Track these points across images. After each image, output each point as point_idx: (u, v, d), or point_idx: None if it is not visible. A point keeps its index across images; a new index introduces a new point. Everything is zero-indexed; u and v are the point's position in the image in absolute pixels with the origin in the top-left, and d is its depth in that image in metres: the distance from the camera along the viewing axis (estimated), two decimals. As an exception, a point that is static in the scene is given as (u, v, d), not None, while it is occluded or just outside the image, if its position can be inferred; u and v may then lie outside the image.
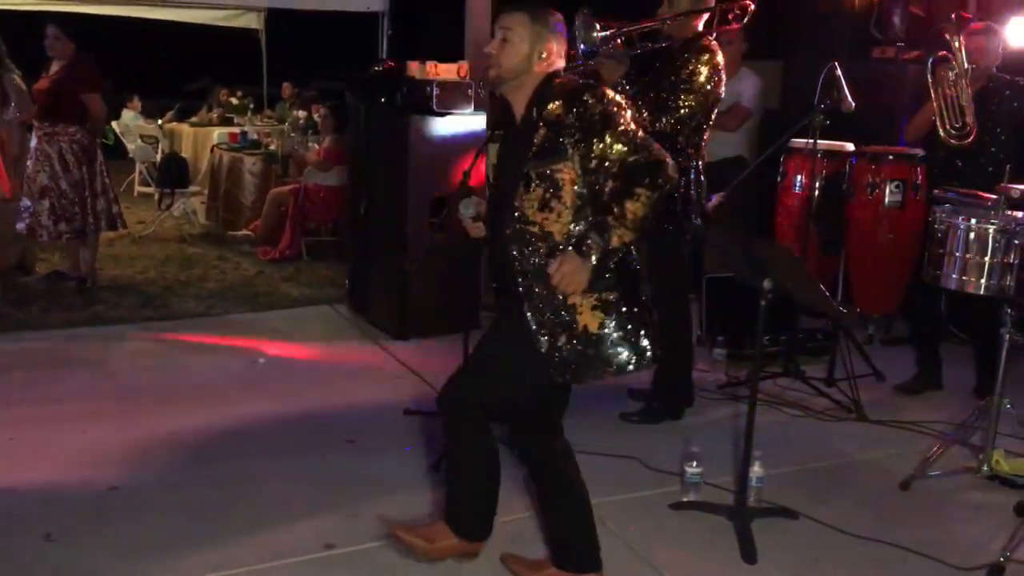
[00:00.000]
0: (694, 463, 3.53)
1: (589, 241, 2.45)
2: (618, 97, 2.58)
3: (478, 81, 5.18)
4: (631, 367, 2.62)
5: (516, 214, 2.55)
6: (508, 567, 3.02)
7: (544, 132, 2.53)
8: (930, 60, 4.61)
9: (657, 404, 4.37)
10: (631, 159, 2.47)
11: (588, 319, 2.56)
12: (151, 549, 3.11)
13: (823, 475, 3.87)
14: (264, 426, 4.19)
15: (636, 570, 3.10)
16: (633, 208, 2.43)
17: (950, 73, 4.53)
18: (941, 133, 4.57)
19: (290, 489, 3.57)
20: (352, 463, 3.81)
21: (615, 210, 2.44)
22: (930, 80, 4.59)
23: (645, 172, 2.45)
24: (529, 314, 2.58)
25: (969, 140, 4.50)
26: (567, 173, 2.51)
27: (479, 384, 2.78)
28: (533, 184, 2.51)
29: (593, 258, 2.44)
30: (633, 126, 2.53)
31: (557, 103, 2.52)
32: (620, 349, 2.60)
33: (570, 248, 2.48)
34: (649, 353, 2.63)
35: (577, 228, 2.52)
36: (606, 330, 2.57)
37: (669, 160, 2.50)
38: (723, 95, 4.11)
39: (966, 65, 4.47)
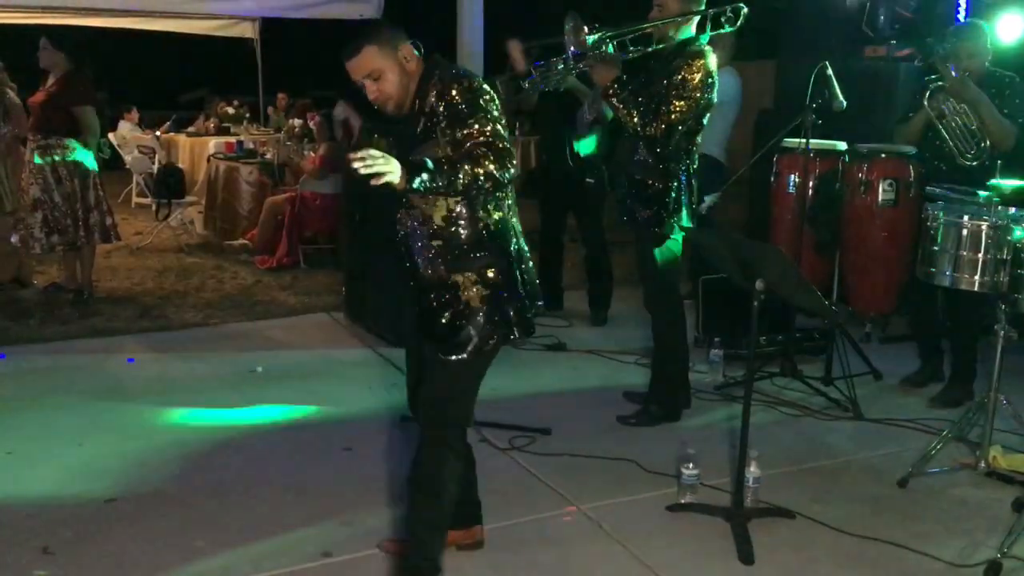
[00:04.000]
0: (690, 465, 3.53)
1: (423, 164, 2.46)
2: (487, 89, 2.65)
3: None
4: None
5: (403, 202, 2.70)
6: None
7: (423, 122, 2.65)
8: (926, 92, 4.59)
9: (654, 406, 4.37)
10: (492, 142, 2.55)
11: (470, 295, 2.69)
12: (149, 560, 3.11)
13: (820, 474, 3.87)
14: (262, 435, 4.20)
15: (634, 572, 3.10)
16: (471, 170, 2.49)
17: (951, 104, 4.53)
18: (958, 160, 4.56)
19: (288, 498, 3.57)
20: (349, 471, 3.82)
21: (457, 164, 2.49)
22: (928, 108, 4.57)
23: (499, 155, 2.54)
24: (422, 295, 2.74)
25: (984, 157, 4.49)
26: (441, 155, 2.58)
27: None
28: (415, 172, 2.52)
29: (413, 179, 2.42)
30: (498, 120, 2.62)
31: (432, 93, 2.63)
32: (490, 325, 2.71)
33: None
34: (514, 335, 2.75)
35: (454, 212, 2.65)
36: (486, 306, 2.70)
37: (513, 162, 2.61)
38: (716, 99, 4.10)
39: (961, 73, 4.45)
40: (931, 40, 5.42)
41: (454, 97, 2.60)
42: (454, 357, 2.70)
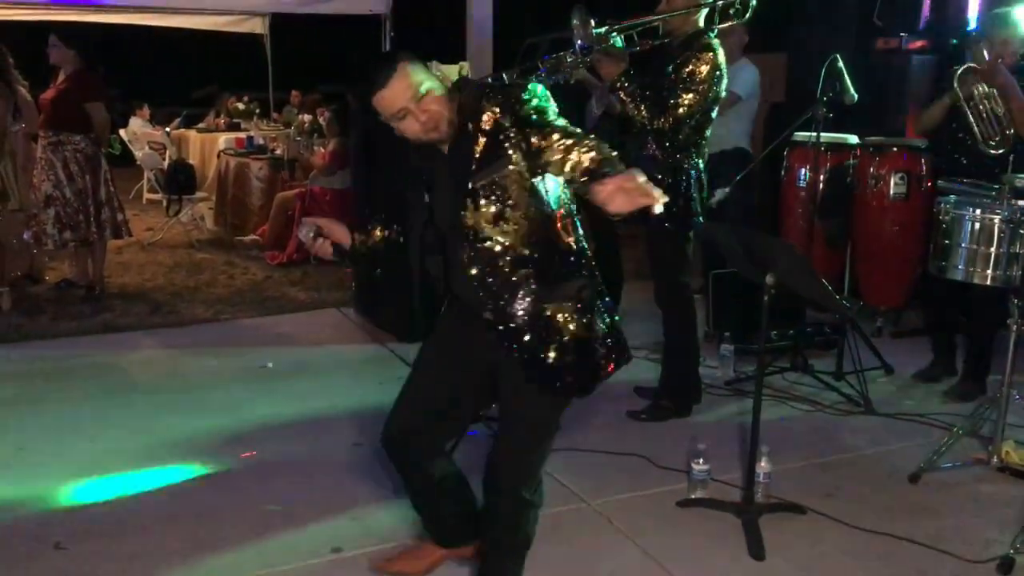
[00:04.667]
0: (701, 460, 3.52)
1: (606, 169, 2.18)
2: (544, 93, 2.45)
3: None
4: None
5: (470, 236, 2.43)
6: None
7: (485, 142, 2.39)
8: (958, 71, 4.56)
9: (665, 401, 4.36)
10: (574, 151, 2.25)
11: (572, 325, 2.47)
12: (160, 556, 3.12)
13: (832, 469, 3.85)
14: (272, 430, 4.21)
15: (644, 568, 3.10)
16: (587, 156, 2.21)
17: (980, 88, 4.50)
18: (980, 147, 4.52)
19: (298, 492, 3.58)
20: (359, 466, 3.82)
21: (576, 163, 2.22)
22: (959, 91, 4.53)
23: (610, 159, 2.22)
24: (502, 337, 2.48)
25: (1005, 147, 4.45)
26: (513, 174, 2.39)
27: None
28: (482, 198, 2.40)
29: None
30: (562, 120, 2.41)
31: (492, 111, 2.40)
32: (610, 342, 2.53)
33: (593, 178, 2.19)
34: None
35: (533, 238, 2.42)
36: (594, 331, 2.49)
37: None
38: (724, 92, 4.08)
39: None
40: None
41: (522, 110, 2.37)
42: (562, 396, 2.51)
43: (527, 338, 2.45)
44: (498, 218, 2.40)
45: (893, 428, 4.29)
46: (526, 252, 2.43)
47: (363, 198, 5.83)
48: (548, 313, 2.45)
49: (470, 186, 2.40)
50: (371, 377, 4.89)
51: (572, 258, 2.51)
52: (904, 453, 3.96)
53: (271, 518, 3.37)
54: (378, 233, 2.76)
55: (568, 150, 2.24)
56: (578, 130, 2.36)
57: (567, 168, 2.23)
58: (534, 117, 2.37)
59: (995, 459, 3.75)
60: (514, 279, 2.44)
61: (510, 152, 2.38)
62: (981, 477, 3.75)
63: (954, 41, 6.02)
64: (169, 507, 3.47)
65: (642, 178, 2.08)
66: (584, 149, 2.22)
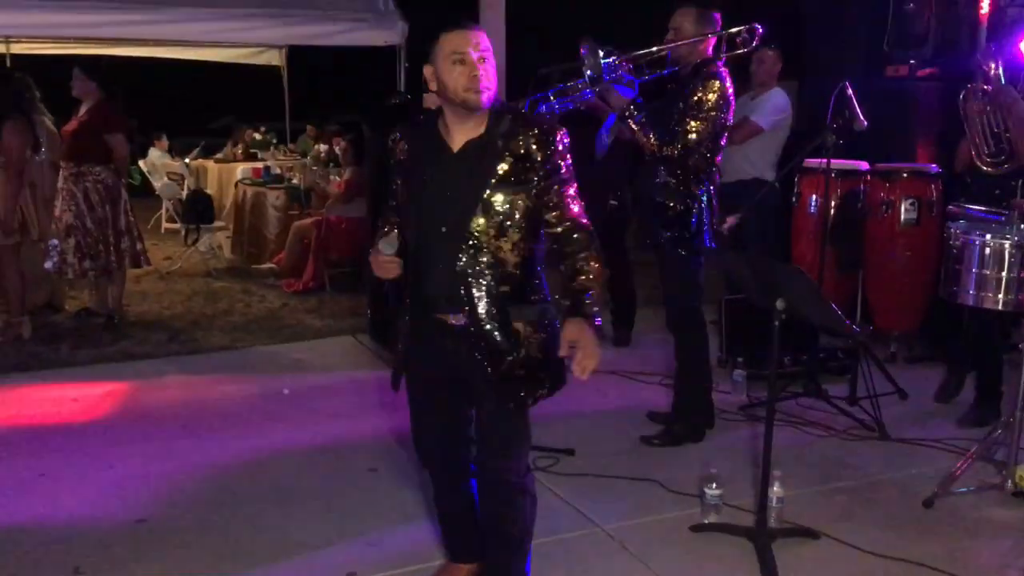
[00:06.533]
0: (714, 484, 3.54)
1: (588, 301, 2.53)
2: (567, 143, 2.61)
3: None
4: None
5: (471, 241, 2.54)
6: None
7: (512, 162, 2.52)
8: (961, 94, 4.61)
9: (677, 427, 4.38)
10: (574, 222, 2.58)
11: (534, 338, 2.62)
12: (178, 580, 3.16)
13: (845, 494, 3.86)
14: (289, 456, 4.25)
15: (657, 593, 3.11)
16: (597, 268, 2.57)
17: (982, 104, 4.56)
18: (978, 164, 4.58)
19: (314, 517, 3.61)
20: (375, 491, 3.86)
21: (586, 272, 2.56)
22: (963, 114, 4.59)
23: (591, 238, 2.59)
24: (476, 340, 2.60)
25: (1008, 165, 4.49)
26: (523, 203, 2.55)
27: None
28: (492, 210, 2.52)
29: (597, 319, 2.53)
30: (574, 182, 2.62)
31: (529, 137, 2.53)
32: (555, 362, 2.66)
33: (576, 318, 2.51)
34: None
35: (521, 258, 2.58)
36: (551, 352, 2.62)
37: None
38: (731, 121, 4.14)
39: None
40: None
41: (555, 150, 2.55)
42: (528, 402, 2.65)
43: (494, 341, 2.58)
44: (500, 233, 2.54)
45: (907, 453, 4.29)
46: (512, 268, 2.58)
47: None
48: (517, 327, 2.59)
49: (486, 196, 2.51)
50: (386, 403, 4.93)
51: (543, 286, 2.68)
52: (918, 478, 3.96)
53: (288, 543, 3.41)
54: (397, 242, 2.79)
55: (565, 217, 2.57)
56: (578, 204, 2.61)
57: (554, 229, 2.58)
58: (562, 168, 2.57)
59: (1009, 483, 3.75)
60: (495, 289, 2.56)
61: (533, 181, 2.54)
62: (995, 502, 3.74)
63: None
64: (187, 532, 3.51)
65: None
66: (578, 225, 2.58)
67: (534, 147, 2.53)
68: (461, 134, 2.58)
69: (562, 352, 2.49)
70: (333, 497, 3.80)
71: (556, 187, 2.56)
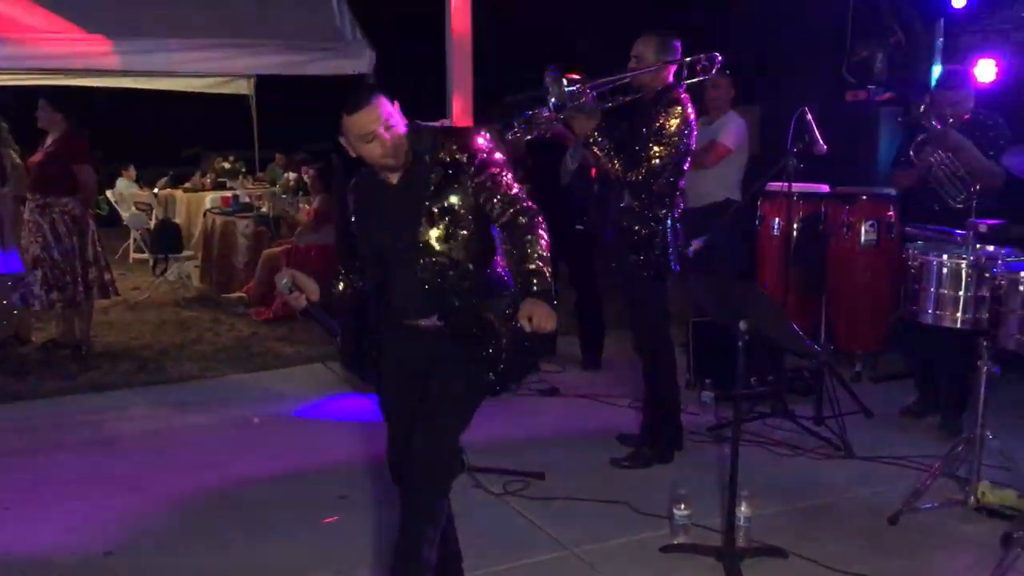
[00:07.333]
0: (682, 505, 3.57)
1: (536, 281, 2.67)
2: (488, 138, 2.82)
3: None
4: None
5: (423, 250, 2.74)
6: None
7: (443, 171, 2.73)
8: (911, 149, 4.79)
9: (646, 449, 4.42)
10: (516, 206, 2.75)
11: (501, 330, 2.78)
12: (146, 612, 3.14)
13: (812, 513, 3.90)
14: (259, 485, 4.23)
15: (627, 614, 3.13)
16: (544, 244, 2.72)
17: (937, 155, 4.72)
18: (950, 203, 4.73)
19: (284, 546, 3.60)
20: (345, 519, 3.85)
21: (532, 254, 2.69)
22: (917, 161, 4.77)
23: (535, 217, 2.76)
24: (455, 338, 2.77)
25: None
26: (465, 204, 2.74)
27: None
28: (436, 219, 2.72)
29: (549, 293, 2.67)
30: (507, 171, 2.81)
31: (451, 145, 2.75)
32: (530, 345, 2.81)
33: (529, 299, 2.65)
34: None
35: (475, 255, 2.76)
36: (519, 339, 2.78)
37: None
38: (694, 146, 4.23)
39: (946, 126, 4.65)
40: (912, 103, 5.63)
41: (478, 147, 2.76)
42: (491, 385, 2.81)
43: (469, 333, 2.77)
44: (448, 237, 2.74)
45: (872, 471, 4.35)
46: (470, 266, 2.76)
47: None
48: (487, 317, 2.78)
49: (427, 208, 2.72)
50: (357, 430, 4.93)
51: (506, 277, 2.87)
52: (884, 495, 4.01)
53: (259, 574, 3.39)
54: (341, 287, 2.98)
55: (507, 203, 2.73)
56: (516, 187, 2.78)
57: (501, 219, 2.74)
58: (492, 161, 2.77)
59: (971, 499, 3.81)
60: (459, 288, 2.76)
61: (466, 182, 2.74)
62: (959, 517, 3.79)
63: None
64: (156, 565, 3.48)
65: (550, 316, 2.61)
66: (520, 209, 2.74)
67: (457, 152, 2.74)
68: (394, 173, 2.79)
69: (524, 325, 2.62)
70: (303, 525, 3.79)
71: (492, 179, 2.74)
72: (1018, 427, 4.60)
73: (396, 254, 2.79)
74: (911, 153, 4.76)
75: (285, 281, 2.86)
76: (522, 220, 2.74)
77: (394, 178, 2.79)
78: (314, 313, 2.89)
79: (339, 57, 7.12)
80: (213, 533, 3.74)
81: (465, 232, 2.75)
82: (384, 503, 3.95)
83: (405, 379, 2.88)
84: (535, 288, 2.65)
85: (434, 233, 2.73)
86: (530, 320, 2.59)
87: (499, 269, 2.87)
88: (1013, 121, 4.81)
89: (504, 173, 2.78)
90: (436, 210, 2.73)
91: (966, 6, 6.42)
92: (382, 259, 2.84)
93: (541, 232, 2.74)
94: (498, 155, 2.80)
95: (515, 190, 2.78)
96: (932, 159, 4.73)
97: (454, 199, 2.73)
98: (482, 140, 2.79)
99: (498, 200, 2.74)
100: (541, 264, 2.69)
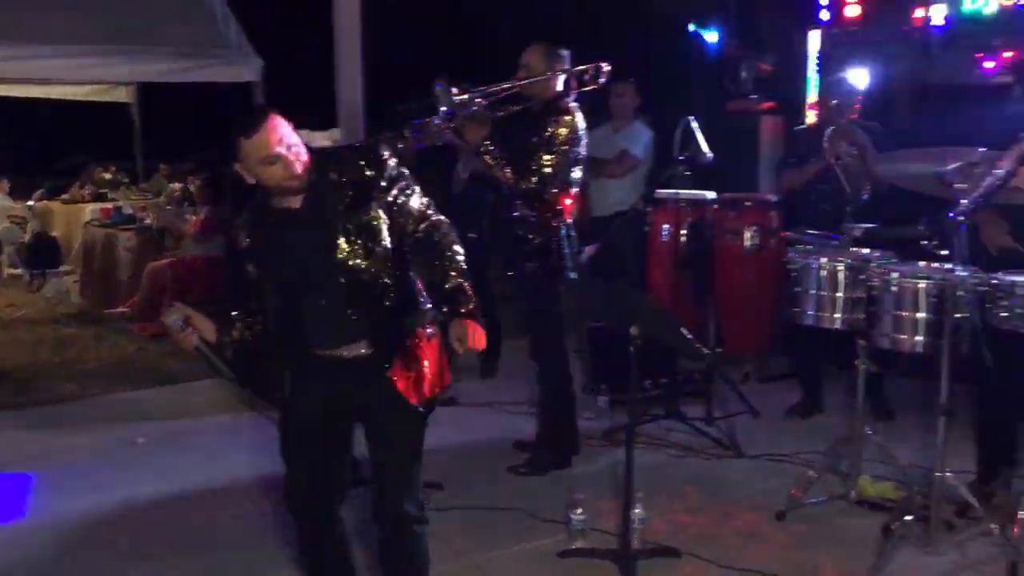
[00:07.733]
0: (579, 510, 3.61)
1: (461, 299, 2.65)
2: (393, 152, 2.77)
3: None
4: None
5: (341, 270, 2.63)
6: None
7: (352, 190, 2.63)
8: (824, 139, 4.95)
9: (543, 454, 4.45)
10: (428, 221, 2.72)
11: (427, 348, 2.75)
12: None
13: (705, 512, 3.99)
14: (147, 508, 4.09)
15: (527, 621, 3.14)
16: (460, 260, 2.72)
17: (843, 146, 4.92)
18: (849, 198, 4.87)
19: (177, 571, 3.50)
20: (239, 540, 3.75)
21: (451, 270, 2.68)
22: (827, 152, 4.92)
23: (448, 230, 2.75)
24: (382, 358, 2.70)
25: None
26: (377, 221, 2.65)
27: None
28: (352, 237, 2.62)
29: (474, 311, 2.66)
30: (414, 184, 2.77)
31: (358, 161, 2.67)
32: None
33: (457, 319, 2.64)
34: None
35: (395, 270, 2.69)
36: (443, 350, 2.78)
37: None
38: (585, 153, 4.28)
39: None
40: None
41: (385, 162, 2.67)
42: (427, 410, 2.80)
43: (398, 358, 2.69)
44: (368, 253, 2.63)
45: (760, 468, 4.48)
46: (389, 280, 2.67)
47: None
48: (411, 333, 2.72)
49: (343, 226, 2.61)
50: (250, 447, 4.81)
51: (422, 292, 2.80)
52: (771, 492, 4.14)
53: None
54: (237, 332, 2.79)
55: (419, 219, 2.70)
56: (425, 200, 2.75)
57: (415, 234, 2.70)
58: (401, 176, 2.71)
59: (852, 493, 3.97)
60: (382, 307, 2.67)
61: (375, 200, 2.65)
62: (842, 511, 3.94)
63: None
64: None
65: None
66: (433, 223, 2.72)
67: (365, 168, 2.66)
68: (296, 196, 2.65)
69: (457, 348, 2.62)
70: (194, 547, 3.68)
71: (402, 194, 2.69)
72: (896, 422, 4.84)
73: (308, 281, 2.65)
74: (824, 143, 4.90)
75: (174, 318, 2.71)
76: (436, 236, 2.70)
77: (296, 202, 2.64)
78: (205, 352, 2.75)
79: (225, 65, 7.00)
80: (99, 559, 3.60)
81: (380, 248, 2.65)
82: (279, 522, 3.87)
83: (321, 419, 2.75)
84: (461, 309, 2.63)
85: (351, 252, 2.62)
86: (460, 341, 2.58)
87: (413, 285, 2.79)
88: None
89: (412, 187, 2.73)
90: (351, 227, 2.62)
91: (830, 19, 6.76)
92: (290, 290, 2.69)
93: (457, 247, 2.72)
94: (405, 169, 2.74)
95: (424, 203, 2.74)
96: (840, 150, 4.90)
97: (368, 216, 2.64)
98: (388, 155, 2.72)
99: (410, 215, 2.69)
100: (462, 280, 2.67)
